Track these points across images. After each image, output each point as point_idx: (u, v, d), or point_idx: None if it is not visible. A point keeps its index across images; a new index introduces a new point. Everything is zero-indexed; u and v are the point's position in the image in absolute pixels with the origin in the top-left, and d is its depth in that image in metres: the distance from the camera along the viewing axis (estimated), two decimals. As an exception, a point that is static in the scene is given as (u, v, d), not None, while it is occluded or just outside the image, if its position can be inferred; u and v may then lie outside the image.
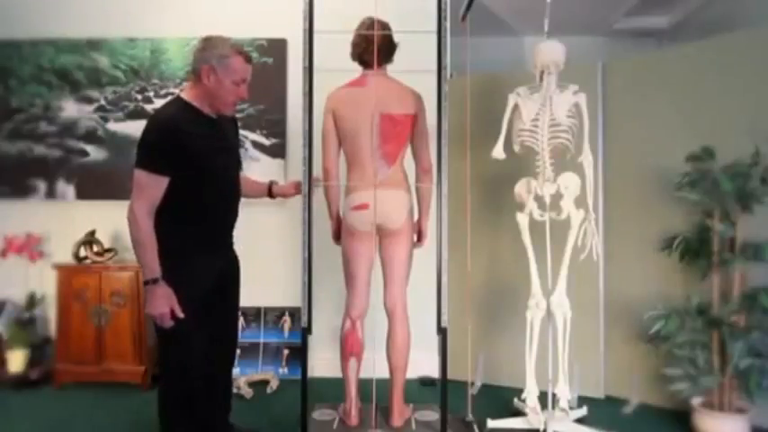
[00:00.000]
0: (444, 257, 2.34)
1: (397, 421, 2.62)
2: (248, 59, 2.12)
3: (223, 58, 2.04)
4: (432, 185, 2.61)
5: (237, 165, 2.33)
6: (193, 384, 2.12)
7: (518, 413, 2.78)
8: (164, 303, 1.99)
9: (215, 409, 2.31)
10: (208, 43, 2.08)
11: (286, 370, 3.55)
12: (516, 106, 2.70)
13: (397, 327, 2.63)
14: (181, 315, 2.00)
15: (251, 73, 2.16)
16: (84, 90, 3.68)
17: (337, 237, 2.72)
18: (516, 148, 2.72)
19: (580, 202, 2.65)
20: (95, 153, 3.67)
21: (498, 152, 2.70)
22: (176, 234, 2.06)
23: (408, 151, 2.65)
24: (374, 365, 2.64)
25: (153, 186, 1.99)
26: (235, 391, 3.20)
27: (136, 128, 3.64)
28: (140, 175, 1.99)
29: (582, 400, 3.01)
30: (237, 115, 2.90)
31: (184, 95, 2.13)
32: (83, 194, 3.67)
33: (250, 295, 3.53)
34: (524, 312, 2.74)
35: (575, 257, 2.66)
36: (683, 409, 2.83)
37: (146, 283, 2.00)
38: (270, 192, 2.52)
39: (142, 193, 1.99)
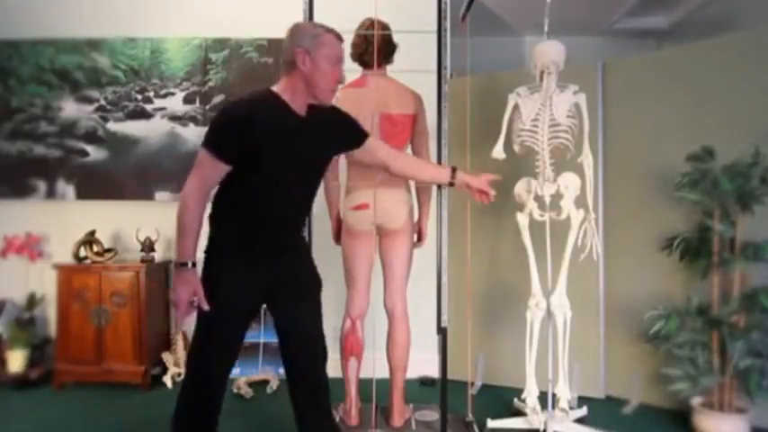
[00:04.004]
0: (444, 257, 2.34)
1: (397, 421, 2.62)
2: (340, 38, 2.01)
3: (315, 37, 1.94)
4: (431, 185, 2.62)
5: (316, 169, 2.08)
6: (202, 393, 2.03)
7: (518, 413, 2.78)
8: (183, 290, 1.88)
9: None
10: (296, 29, 1.99)
11: (286, 370, 3.54)
12: (516, 106, 2.70)
13: (397, 327, 2.63)
14: (205, 306, 1.90)
15: (344, 53, 2.02)
16: (84, 90, 3.68)
17: (337, 237, 2.72)
18: (516, 148, 2.72)
19: (580, 202, 2.65)
20: (95, 153, 3.67)
21: (498, 152, 2.70)
22: (222, 230, 1.98)
23: (408, 151, 2.65)
24: (374, 365, 2.64)
25: (209, 168, 1.89)
26: (235, 391, 3.21)
27: (136, 128, 3.66)
28: (201, 153, 1.90)
29: (582, 400, 3.01)
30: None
31: (274, 88, 1.98)
32: (83, 194, 3.67)
33: (250, 295, 3.55)
34: (524, 312, 2.73)
35: (575, 257, 2.66)
36: (683, 409, 2.82)
37: (174, 265, 1.92)
38: (452, 178, 2.24)
39: (198, 172, 1.90)
